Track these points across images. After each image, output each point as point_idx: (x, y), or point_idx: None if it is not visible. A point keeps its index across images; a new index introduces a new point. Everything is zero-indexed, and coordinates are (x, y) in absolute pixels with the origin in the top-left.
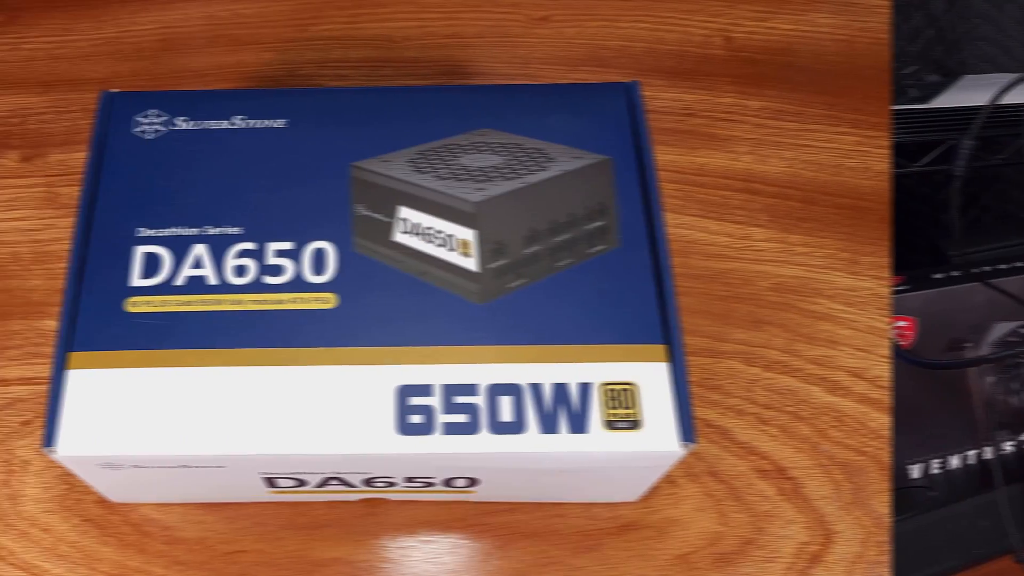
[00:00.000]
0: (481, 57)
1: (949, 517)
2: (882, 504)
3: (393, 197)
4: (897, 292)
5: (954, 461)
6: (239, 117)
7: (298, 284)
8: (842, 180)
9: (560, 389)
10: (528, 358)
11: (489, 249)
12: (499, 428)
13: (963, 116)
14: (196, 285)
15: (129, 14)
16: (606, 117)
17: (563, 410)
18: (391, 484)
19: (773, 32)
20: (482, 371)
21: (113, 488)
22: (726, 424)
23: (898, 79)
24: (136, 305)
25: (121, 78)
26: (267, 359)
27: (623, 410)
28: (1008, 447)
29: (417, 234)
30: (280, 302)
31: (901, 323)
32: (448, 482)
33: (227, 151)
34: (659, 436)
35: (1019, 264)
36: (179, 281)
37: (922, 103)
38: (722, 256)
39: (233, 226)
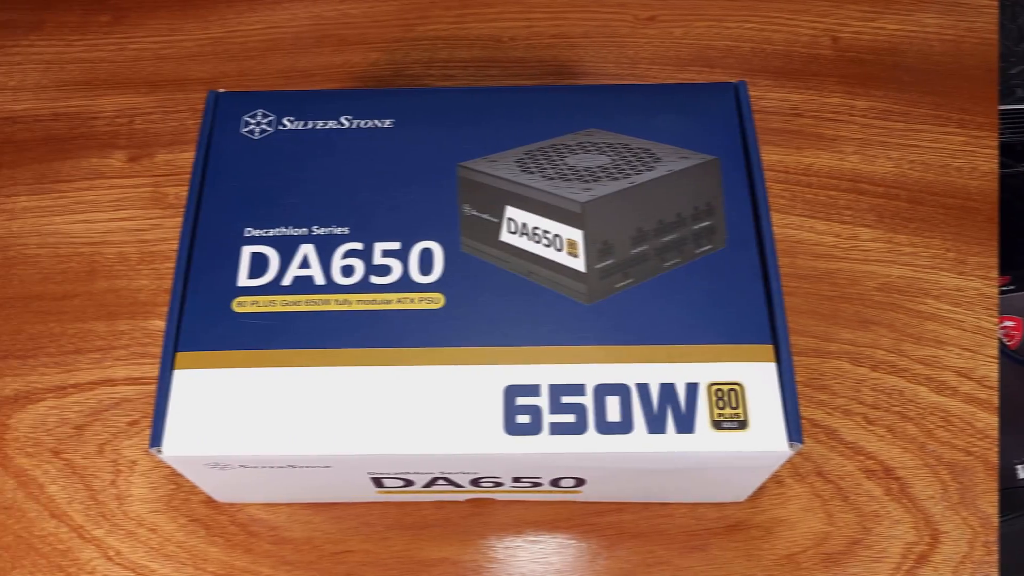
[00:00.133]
0: (588, 57)
1: None
2: (989, 504)
3: (500, 197)
4: (1004, 292)
5: None
6: (346, 117)
7: (405, 284)
8: (949, 180)
9: (667, 389)
10: (635, 358)
11: (596, 249)
12: (606, 428)
13: None
14: (303, 285)
15: (236, 14)
16: (713, 117)
17: (670, 410)
18: (498, 484)
19: (880, 32)
20: (589, 371)
21: (220, 488)
22: (833, 424)
23: (1005, 79)
24: (243, 305)
25: (228, 78)
26: (374, 359)
27: (730, 410)
28: None
29: (524, 234)
30: (387, 302)
31: (1008, 323)
32: (555, 482)
33: (333, 151)
34: (766, 436)
35: None
36: (286, 281)
37: None
38: (829, 256)
39: (340, 226)
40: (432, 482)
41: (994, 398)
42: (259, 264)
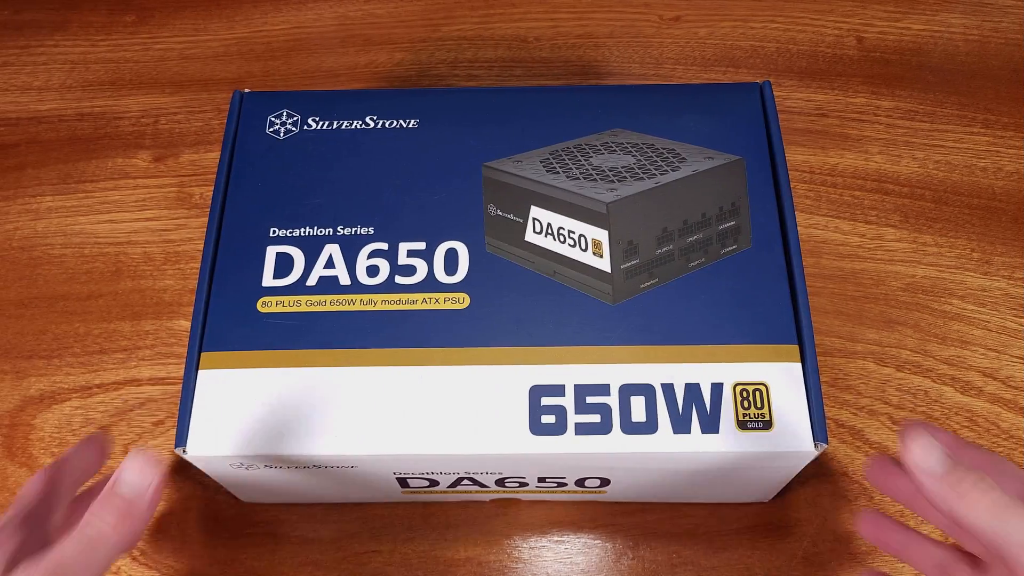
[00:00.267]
0: (613, 57)
1: None
2: None
3: (525, 197)
4: None
5: None
6: (371, 117)
7: (430, 284)
8: (974, 180)
9: (692, 389)
10: (660, 358)
11: (622, 249)
12: (631, 428)
13: None
14: (328, 285)
15: (261, 14)
16: (738, 117)
17: (695, 410)
18: (523, 484)
19: (906, 32)
20: (614, 371)
21: (245, 488)
22: (858, 424)
23: None
24: (268, 305)
25: (253, 78)
26: (399, 359)
27: (755, 410)
28: None
29: (549, 234)
30: (412, 302)
31: None
32: (580, 482)
33: (358, 151)
34: (791, 436)
35: None
36: (311, 281)
37: None
38: (854, 256)
39: (365, 226)
40: (457, 482)
41: (1019, 398)
42: (284, 264)
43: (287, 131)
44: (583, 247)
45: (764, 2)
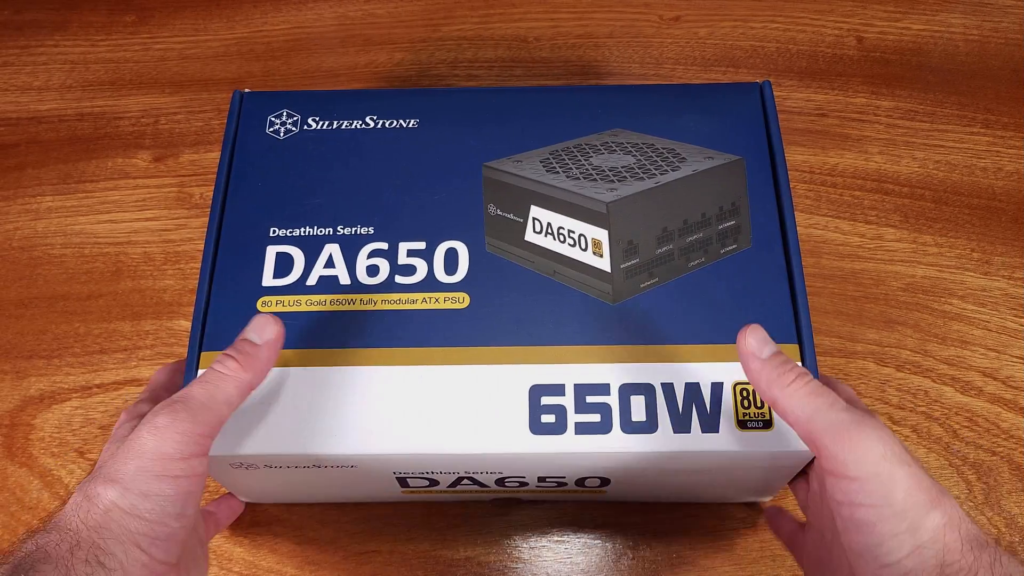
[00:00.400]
0: (613, 57)
1: None
2: (1015, 504)
3: (525, 197)
4: None
5: None
6: (370, 117)
7: (430, 284)
8: (974, 180)
9: (692, 388)
10: (660, 358)
11: (622, 249)
12: (631, 427)
13: None
14: (328, 285)
15: (261, 14)
16: (738, 117)
17: (695, 409)
18: (523, 484)
19: (905, 32)
20: (614, 371)
21: (245, 488)
22: None
23: None
24: (268, 305)
25: (253, 78)
26: (400, 359)
27: (755, 409)
28: None
29: (549, 234)
30: (412, 302)
31: None
32: (580, 482)
33: (358, 151)
34: (791, 435)
35: None
36: (311, 281)
37: None
38: (854, 256)
39: (365, 226)
40: (457, 482)
41: (1020, 398)
42: (284, 264)
43: (287, 131)
44: (583, 247)
45: (764, 2)
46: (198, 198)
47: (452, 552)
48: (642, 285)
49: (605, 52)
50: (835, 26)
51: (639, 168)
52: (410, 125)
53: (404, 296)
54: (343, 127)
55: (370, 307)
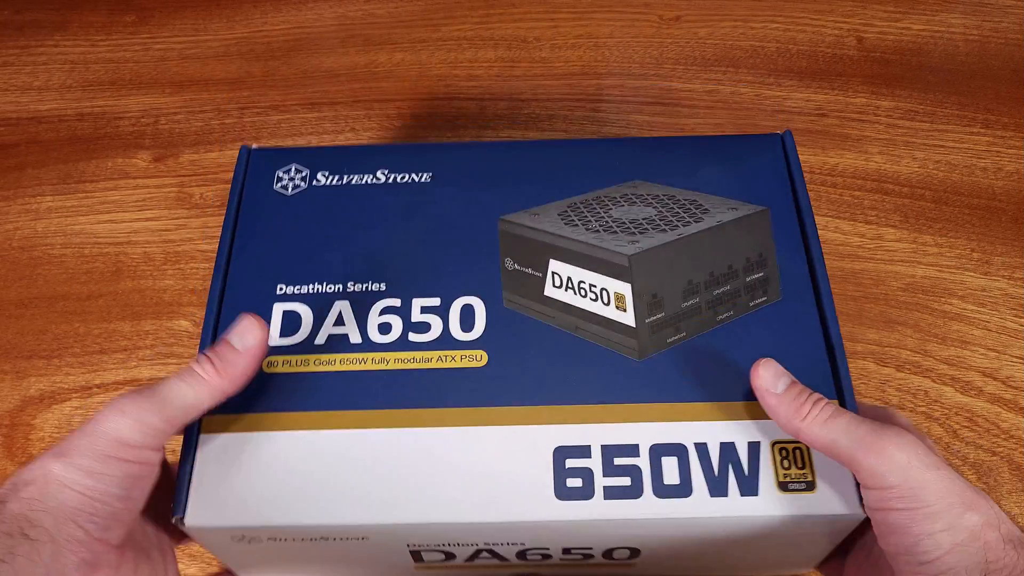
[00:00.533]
0: (613, 57)
1: None
2: (1015, 504)
3: (543, 251)
4: None
5: None
6: (382, 171)
7: (446, 341)
8: (974, 180)
9: (728, 448)
10: (692, 416)
11: (646, 303)
12: (664, 491)
13: None
14: (338, 343)
15: (261, 14)
16: (760, 167)
17: (732, 471)
18: (546, 557)
19: (905, 32)
20: (643, 430)
21: (245, 562)
22: None
23: None
24: (274, 365)
25: (253, 78)
26: (414, 420)
27: (796, 470)
28: None
29: (570, 288)
30: (427, 360)
31: None
32: (607, 554)
33: (369, 206)
34: (837, 498)
35: None
36: (320, 339)
37: None
38: (854, 256)
39: (376, 282)
40: (475, 555)
41: (1019, 398)
42: (291, 322)
43: (295, 187)
44: (605, 301)
45: (764, 2)
46: (198, 198)
47: None
48: (669, 340)
49: (605, 52)
50: (835, 26)
51: (661, 220)
52: (423, 179)
53: (418, 355)
54: (353, 182)
55: (383, 366)
